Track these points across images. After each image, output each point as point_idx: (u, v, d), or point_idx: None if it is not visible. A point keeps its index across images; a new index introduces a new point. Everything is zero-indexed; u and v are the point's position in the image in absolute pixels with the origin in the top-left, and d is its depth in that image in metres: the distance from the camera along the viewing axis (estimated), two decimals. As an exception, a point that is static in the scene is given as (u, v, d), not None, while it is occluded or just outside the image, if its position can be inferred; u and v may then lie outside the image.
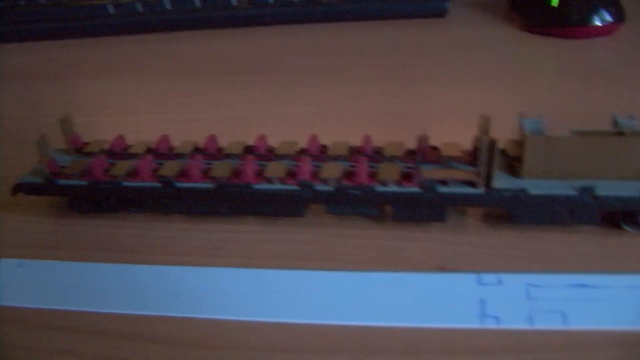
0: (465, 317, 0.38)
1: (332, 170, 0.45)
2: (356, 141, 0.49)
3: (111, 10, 0.83)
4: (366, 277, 0.42)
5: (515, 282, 0.40)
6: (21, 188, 0.49)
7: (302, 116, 0.64)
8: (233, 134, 0.52)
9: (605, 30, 0.75)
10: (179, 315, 0.41)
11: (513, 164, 0.45)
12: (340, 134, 0.50)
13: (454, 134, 0.48)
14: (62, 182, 0.49)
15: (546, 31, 0.77)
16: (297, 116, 0.64)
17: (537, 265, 0.42)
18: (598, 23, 0.74)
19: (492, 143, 0.41)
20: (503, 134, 0.45)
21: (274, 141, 0.50)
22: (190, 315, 0.40)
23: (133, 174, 0.48)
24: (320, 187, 0.45)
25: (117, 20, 0.84)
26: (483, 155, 0.42)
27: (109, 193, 0.48)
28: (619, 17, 0.75)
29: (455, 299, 0.40)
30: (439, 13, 0.81)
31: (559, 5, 0.74)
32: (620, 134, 0.42)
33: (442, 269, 0.42)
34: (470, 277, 0.41)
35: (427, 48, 0.77)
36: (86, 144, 0.52)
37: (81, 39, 0.89)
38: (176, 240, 0.47)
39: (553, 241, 0.44)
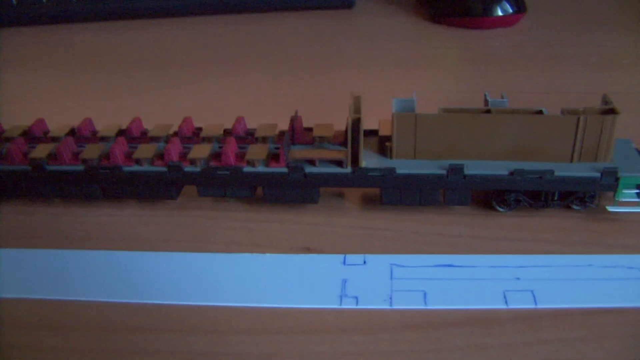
0: (325, 298, 0.38)
1: (201, 151, 0.44)
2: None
3: (14, 1, 0.81)
4: (232, 258, 0.41)
5: (380, 262, 0.40)
6: None
7: (193, 105, 0.63)
8: (113, 120, 0.51)
9: (506, 21, 0.76)
10: (44, 297, 0.39)
11: (385, 144, 0.44)
12: (228, 120, 0.50)
13: (342, 119, 0.47)
14: None
15: (450, 22, 0.78)
16: (190, 105, 0.63)
17: (406, 246, 0.41)
18: (500, 14, 0.75)
19: (357, 121, 0.41)
20: (384, 116, 0.45)
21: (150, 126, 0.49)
22: (56, 298, 0.39)
23: (5, 157, 0.46)
24: (189, 168, 0.44)
25: (20, 11, 0.82)
26: (349, 134, 0.41)
27: None
28: (520, 8, 0.76)
29: (319, 280, 0.39)
30: (347, 4, 0.80)
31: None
32: (488, 112, 0.42)
33: (308, 250, 0.41)
34: (336, 258, 0.41)
35: (332, 38, 0.77)
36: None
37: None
38: (45, 225, 0.46)
39: (424, 222, 0.43)
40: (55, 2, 0.82)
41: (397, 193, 0.43)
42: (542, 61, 0.68)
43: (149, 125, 0.49)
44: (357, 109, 0.42)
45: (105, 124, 0.49)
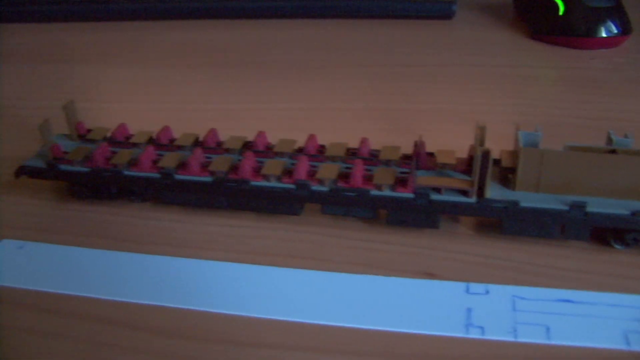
0: (451, 326, 0.39)
1: (329, 171, 0.46)
2: (352, 139, 0.50)
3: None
4: (355, 279, 0.43)
5: (502, 293, 0.41)
6: (24, 171, 0.50)
7: (299, 111, 0.65)
8: (229, 127, 0.53)
9: (610, 42, 0.75)
10: (168, 305, 0.41)
11: (507, 175, 0.45)
12: (336, 131, 0.52)
13: (450, 138, 0.49)
14: (64, 167, 0.49)
15: (551, 40, 0.77)
16: (295, 111, 0.65)
17: (525, 277, 0.42)
18: (604, 34, 0.74)
19: (486, 154, 0.42)
20: (499, 141, 0.46)
21: (270, 136, 0.51)
22: (180, 306, 0.41)
23: (134, 163, 0.48)
24: (317, 187, 0.45)
25: (120, 6, 0.85)
26: (477, 165, 0.43)
27: (109, 181, 0.49)
28: (625, 29, 0.75)
29: (442, 307, 0.40)
30: (446, 15, 0.81)
31: (566, 14, 0.74)
32: (613, 152, 0.43)
33: (430, 275, 0.42)
34: (459, 286, 0.42)
35: (430, 49, 0.78)
36: (89, 130, 0.52)
37: (83, 23, 0.89)
38: (171, 232, 0.48)
39: (542, 254, 0.44)
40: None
41: (518, 224, 0.44)
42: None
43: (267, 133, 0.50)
44: (480, 140, 0.44)
45: (230, 136, 0.50)
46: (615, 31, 0.74)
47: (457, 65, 0.74)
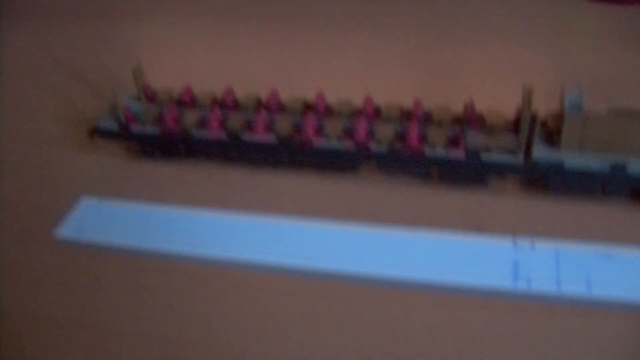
0: (500, 277, 0.43)
1: (386, 133, 0.49)
2: (404, 95, 0.53)
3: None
4: (411, 234, 0.46)
5: (546, 248, 0.45)
6: (98, 132, 0.54)
7: (350, 68, 0.67)
8: (286, 82, 0.57)
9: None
10: (242, 258, 0.46)
11: (552, 136, 0.48)
12: (389, 88, 0.56)
13: (497, 94, 0.52)
14: (136, 129, 0.53)
15: None
16: (346, 67, 0.67)
17: (568, 233, 0.45)
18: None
19: (533, 119, 0.45)
20: (545, 98, 0.49)
21: (326, 91, 0.54)
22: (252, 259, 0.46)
23: (202, 125, 0.52)
24: (375, 147, 0.49)
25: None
26: (524, 128, 0.46)
27: (179, 142, 0.52)
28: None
29: (492, 260, 0.44)
30: None
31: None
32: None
33: (481, 229, 0.46)
34: (506, 240, 0.45)
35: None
36: (155, 93, 0.56)
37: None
38: (238, 190, 0.52)
39: (585, 211, 0.47)
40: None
41: (562, 183, 0.47)
42: None
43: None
44: (527, 102, 0.46)
45: (291, 97, 0.54)
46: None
47: (504, 17, 0.75)
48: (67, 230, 0.48)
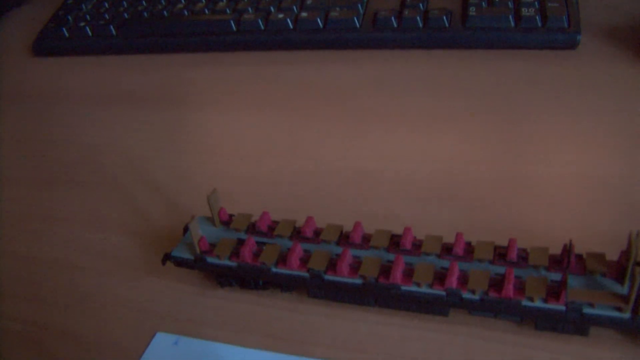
0: None
1: (480, 280, 0.46)
2: (486, 208, 0.52)
3: (233, 26, 0.84)
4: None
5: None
6: (171, 259, 0.52)
7: (428, 174, 0.63)
8: (363, 194, 0.57)
9: None
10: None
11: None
12: (466, 201, 0.55)
13: (586, 215, 0.51)
14: (211, 260, 0.51)
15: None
16: (424, 173, 0.63)
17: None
18: None
19: (645, 269, 0.42)
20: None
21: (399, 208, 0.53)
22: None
23: (282, 260, 0.50)
24: (467, 295, 0.46)
25: (238, 38, 0.85)
26: (634, 284, 0.43)
27: (257, 276, 0.50)
28: None
29: None
30: (569, 46, 0.77)
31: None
32: None
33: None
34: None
35: (551, 93, 0.70)
36: (231, 216, 0.54)
37: (198, 54, 0.88)
38: (319, 329, 0.50)
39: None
40: (272, 28, 0.84)
41: (673, 339, 0.44)
42: None
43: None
44: (638, 252, 0.43)
45: (376, 230, 0.51)
46: None
47: (584, 114, 0.66)
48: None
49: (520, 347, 0.47)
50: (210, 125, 0.74)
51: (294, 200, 0.55)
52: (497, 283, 0.46)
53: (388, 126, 0.68)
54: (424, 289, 0.47)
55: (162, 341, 0.49)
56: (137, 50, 0.88)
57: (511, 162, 0.62)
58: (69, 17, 0.92)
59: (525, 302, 0.45)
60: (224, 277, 0.52)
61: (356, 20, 0.80)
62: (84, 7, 0.93)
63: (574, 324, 0.45)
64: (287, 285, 0.51)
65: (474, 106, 0.69)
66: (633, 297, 0.43)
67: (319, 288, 0.49)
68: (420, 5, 0.79)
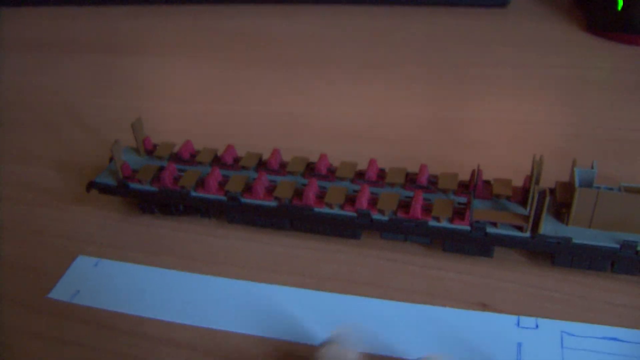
0: (502, 359, 0.41)
1: (389, 202, 0.48)
2: (407, 149, 0.53)
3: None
4: (412, 308, 0.45)
5: (551, 328, 0.43)
6: (95, 186, 0.53)
7: (354, 117, 0.66)
8: (288, 134, 0.57)
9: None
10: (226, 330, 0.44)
11: (561, 210, 0.47)
12: (391, 142, 0.56)
13: (503, 153, 0.52)
14: (134, 186, 0.52)
15: (609, 35, 0.76)
16: (350, 115, 0.66)
17: (574, 311, 0.44)
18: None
19: (543, 195, 0.44)
20: (553, 157, 0.48)
21: (326, 144, 0.53)
22: (247, 333, 0.44)
23: (201, 184, 0.51)
24: (377, 216, 0.47)
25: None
26: (533, 203, 0.44)
27: (177, 200, 0.51)
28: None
29: (495, 340, 0.43)
30: (500, 3, 0.80)
31: (625, 9, 0.73)
32: (667, 193, 0.44)
33: (483, 306, 0.45)
34: (510, 319, 0.44)
35: (483, 45, 0.76)
36: (155, 145, 0.55)
37: (137, 6, 0.90)
38: (236, 251, 0.51)
39: (592, 287, 0.46)
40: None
41: (570, 259, 0.46)
42: None
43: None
44: (539, 176, 0.45)
45: (293, 157, 0.53)
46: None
47: (510, 66, 0.72)
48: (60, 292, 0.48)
49: (429, 269, 0.48)
50: (144, 70, 0.75)
51: (220, 137, 0.56)
52: (406, 205, 0.48)
53: (318, 73, 0.70)
54: (335, 211, 0.48)
55: (83, 263, 0.50)
56: (78, 2, 0.87)
57: (436, 107, 0.65)
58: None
59: (432, 223, 0.47)
60: (145, 203, 0.53)
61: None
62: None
63: (479, 244, 0.47)
64: (206, 210, 0.52)
65: (404, 57, 0.71)
66: (532, 216, 0.45)
67: (236, 211, 0.50)
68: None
